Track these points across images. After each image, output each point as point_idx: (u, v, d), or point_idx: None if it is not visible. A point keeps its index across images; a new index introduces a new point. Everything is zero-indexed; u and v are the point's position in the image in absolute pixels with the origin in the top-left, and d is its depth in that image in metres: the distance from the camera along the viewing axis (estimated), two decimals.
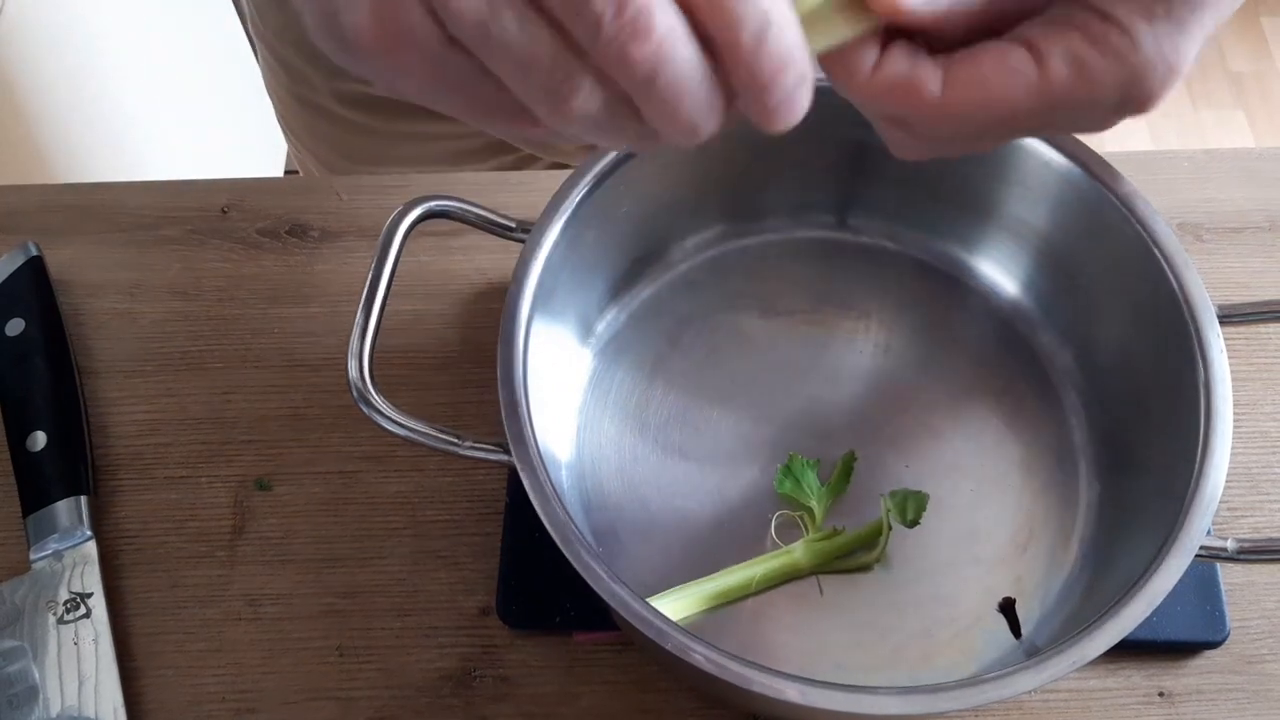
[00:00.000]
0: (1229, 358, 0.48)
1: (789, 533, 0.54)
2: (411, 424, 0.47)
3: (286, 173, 1.70)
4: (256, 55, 0.82)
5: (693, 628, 0.43)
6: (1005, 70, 0.32)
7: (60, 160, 1.12)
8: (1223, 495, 0.45)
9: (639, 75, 0.26)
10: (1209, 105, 1.92)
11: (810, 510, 0.53)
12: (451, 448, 0.47)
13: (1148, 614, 0.43)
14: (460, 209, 0.52)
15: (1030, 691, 0.42)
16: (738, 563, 0.53)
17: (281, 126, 0.87)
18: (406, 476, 0.58)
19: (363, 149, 0.79)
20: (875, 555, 0.52)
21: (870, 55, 0.32)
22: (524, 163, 0.82)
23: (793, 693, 0.42)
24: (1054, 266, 0.58)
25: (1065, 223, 0.55)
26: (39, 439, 0.56)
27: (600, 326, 0.59)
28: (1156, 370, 0.52)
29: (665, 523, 0.54)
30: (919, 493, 0.52)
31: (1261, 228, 0.64)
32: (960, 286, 0.60)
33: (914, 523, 0.52)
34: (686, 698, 0.52)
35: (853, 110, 0.56)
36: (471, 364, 0.61)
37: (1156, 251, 0.50)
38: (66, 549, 0.55)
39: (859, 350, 0.59)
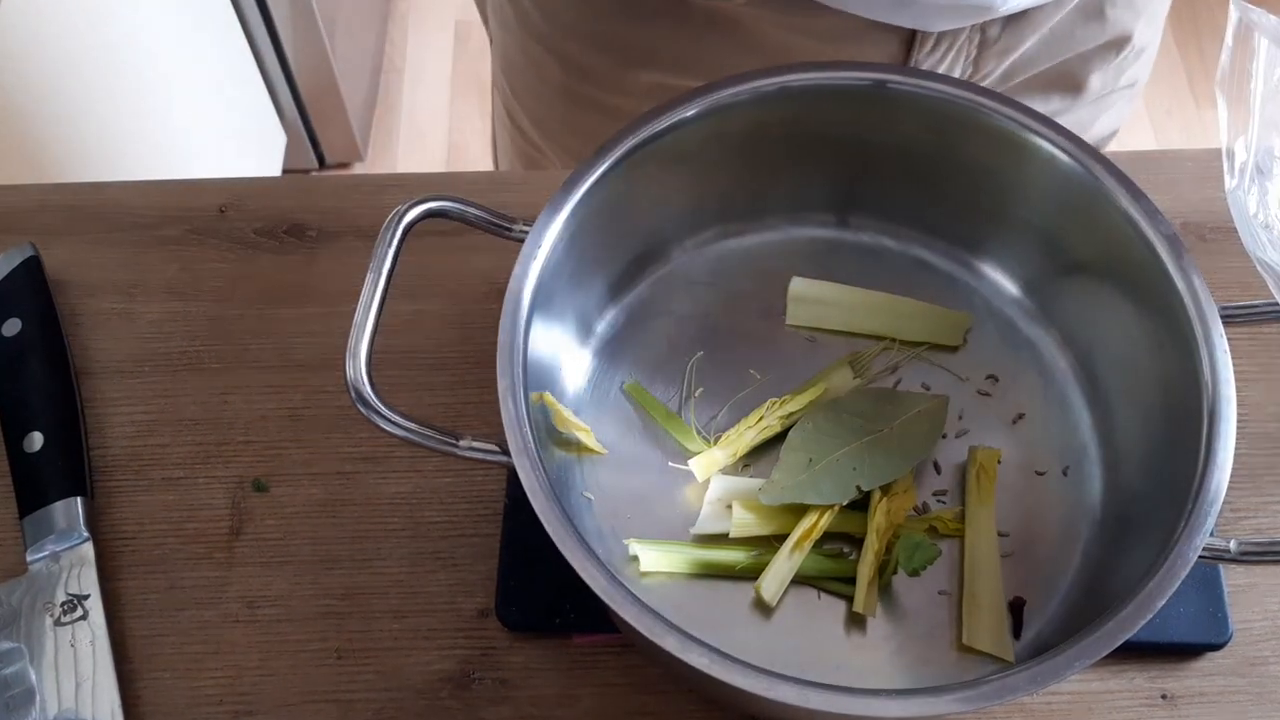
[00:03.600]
0: (1232, 358, 0.48)
1: None
2: (409, 425, 0.47)
3: (285, 172, 1.70)
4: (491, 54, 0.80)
5: (691, 629, 0.43)
6: None
7: (58, 160, 1.12)
8: (1225, 496, 0.45)
9: None
10: (1212, 104, 1.92)
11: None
12: (449, 448, 0.47)
13: (1150, 616, 0.43)
14: (460, 209, 0.52)
15: (1032, 693, 0.42)
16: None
17: (517, 119, 0.86)
18: (405, 477, 0.57)
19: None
20: (867, 600, 0.51)
21: None
22: None
23: (792, 694, 0.41)
24: (1056, 266, 0.57)
25: (1067, 222, 0.55)
26: (36, 440, 0.56)
27: (600, 326, 0.59)
28: (1159, 370, 0.52)
29: (666, 523, 0.54)
30: (930, 545, 0.51)
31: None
32: (961, 286, 0.60)
33: (915, 572, 0.51)
34: (686, 700, 0.52)
35: (852, 110, 0.56)
36: (471, 364, 0.61)
37: (1159, 251, 0.50)
38: (63, 550, 0.55)
39: (859, 350, 0.59)
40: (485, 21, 0.86)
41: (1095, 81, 0.75)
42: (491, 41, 0.85)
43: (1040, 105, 0.73)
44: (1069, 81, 0.74)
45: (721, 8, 0.66)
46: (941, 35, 0.66)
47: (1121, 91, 0.78)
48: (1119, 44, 0.73)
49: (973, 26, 0.66)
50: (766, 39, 0.68)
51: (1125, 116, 0.82)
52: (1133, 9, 0.71)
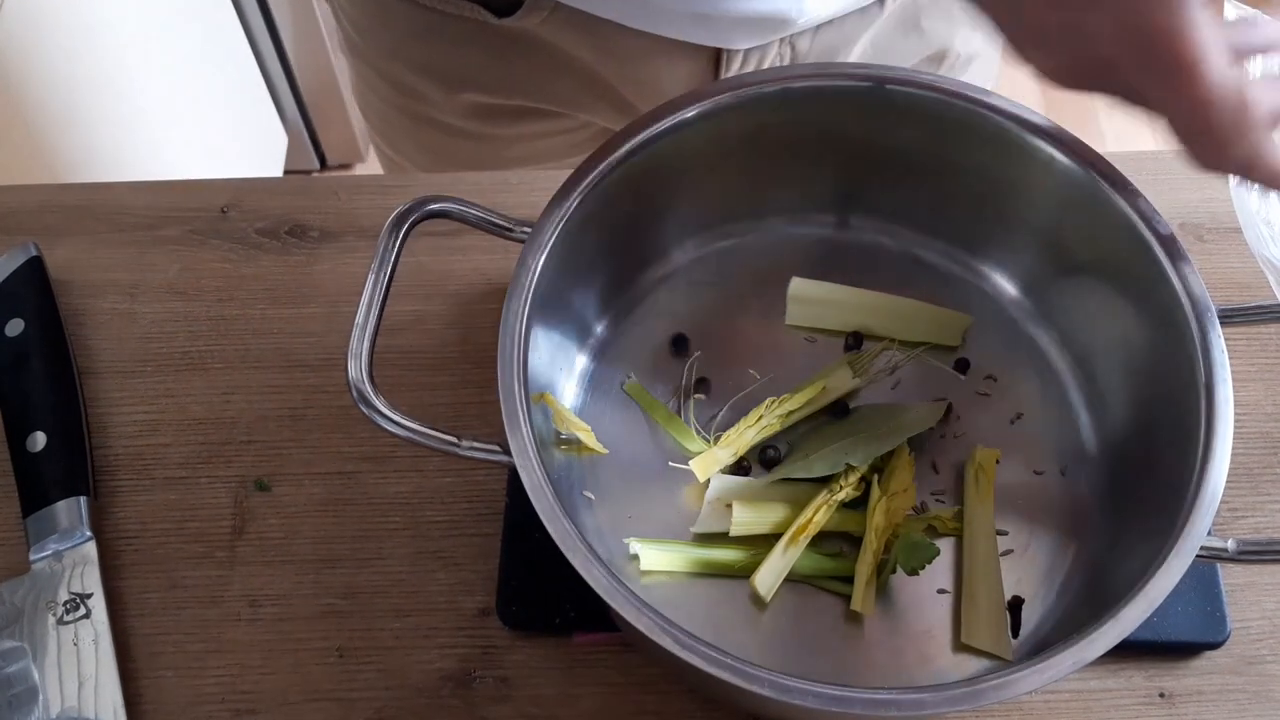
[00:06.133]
0: (1230, 358, 0.48)
1: None
2: (410, 424, 0.47)
3: (286, 173, 1.70)
4: (346, 70, 0.82)
5: (691, 628, 0.43)
6: None
7: (60, 160, 1.12)
8: (1223, 495, 0.45)
9: None
10: None
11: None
12: (450, 448, 0.47)
13: (1148, 614, 0.43)
14: (460, 209, 0.52)
15: (1031, 692, 0.42)
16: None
17: (373, 136, 0.88)
18: (406, 477, 0.58)
19: (474, 154, 0.81)
20: (865, 599, 0.51)
21: None
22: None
23: (791, 694, 0.41)
24: (1054, 266, 0.58)
25: (1066, 223, 0.55)
26: (39, 439, 0.56)
27: (600, 327, 0.59)
28: (1157, 370, 0.52)
29: (666, 523, 0.54)
30: (929, 544, 0.51)
31: None
32: (960, 286, 0.60)
33: (914, 571, 0.51)
34: (686, 699, 0.52)
35: (852, 112, 0.56)
36: (471, 364, 0.61)
37: (1157, 251, 0.50)
38: (66, 549, 0.55)
39: (859, 351, 0.59)
40: None
41: None
42: None
43: None
44: None
45: (521, 30, 0.66)
46: (749, 52, 0.66)
47: None
48: (939, 57, 0.73)
49: (781, 40, 0.66)
50: (571, 60, 0.68)
51: None
52: (949, 20, 0.71)
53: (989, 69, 0.79)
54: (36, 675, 0.52)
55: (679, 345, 0.59)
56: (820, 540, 0.53)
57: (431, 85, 0.74)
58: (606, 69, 0.68)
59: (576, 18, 0.65)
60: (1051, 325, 0.59)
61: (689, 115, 0.54)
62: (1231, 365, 0.48)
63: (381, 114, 0.82)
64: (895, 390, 0.58)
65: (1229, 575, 0.54)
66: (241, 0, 1.50)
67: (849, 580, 0.52)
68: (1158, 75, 0.40)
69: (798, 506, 0.53)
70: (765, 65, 0.67)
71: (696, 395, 0.57)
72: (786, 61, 0.68)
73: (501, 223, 0.52)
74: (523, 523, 0.53)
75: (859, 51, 0.69)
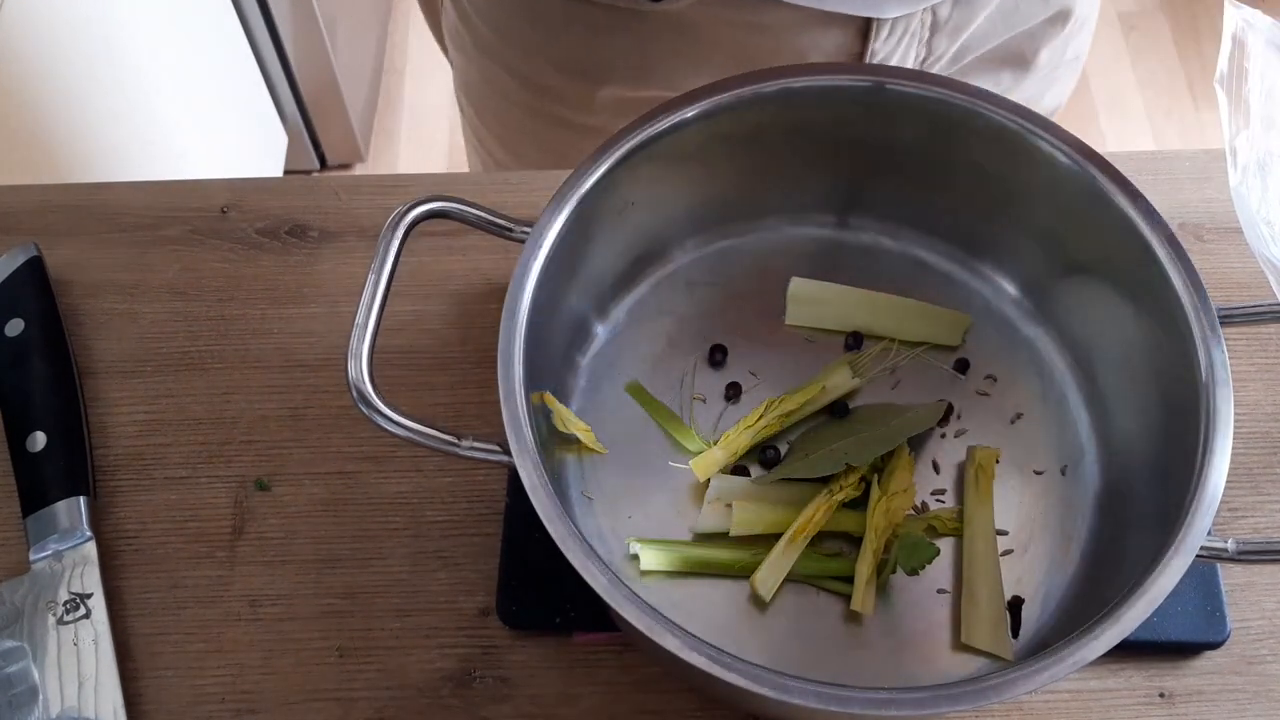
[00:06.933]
0: (1230, 358, 0.48)
1: None
2: (410, 424, 0.47)
3: (286, 173, 1.70)
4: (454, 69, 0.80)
5: (691, 628, 0.43)
6: None
7: (61, 160, 1.12)
8: (1223, 495, 0.45)
9: None
10: (1210, 105, 1.92)
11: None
12: (450, 448, 0.47)
13: (1148, 615, 0.43)
14: (460, 209, 0.52)
15: (1031, 692, 0.42)
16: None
17: (483, 136, 0.86)
18: (406, 477, 0.58)
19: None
20: (865, 598, 0.51)
21: None
22: None
23: (791, 693, 0.41)
24: (1054, 266, 0.58)
25: (1066, 223, 0.55)
26: (39, 439, 0.56)
27: (600, 327, 0.59)
28: (1157, 370, 0.52)
29: (666, 523, 0.54)
30: (929, 544, 0.51)
31: None
32: (961, 286, 0.60)
33: (914, 571, 0.51)
34: (686, 698, 0.52)
35: (853, 111, 0.56)
36: (471, 364, 0.61)
37: (1157, 251, 0.50)
38: (66, 549, 0.55)
39: (859, 350, 0.59)
40: (443, 47, 0.85)
41: (1044, 56, 0.76)
42: (452, 65, 0.84)
43: (990, 82, 0.74)
44: (1018, 58, 0.75)
45: (674, 12, 0.66)
46: (896, 20, 0.66)
47: (1068, 65, 0.79)
48: (1063, 17, 0.74)
49: (924, 10, 0.66)
50: (721, 39, 0.68)
51: (1069, 90, 0.83)
52: None
53: (1089, 37, 0.80)
54: (36, 675, 0.52)
55: (716, 356, 0.59)
56: (820, 540, 0.53)
57: (571, 81, 0.73)
58: (754, 48, 0.68)
59: None
60: (1051, 325, 0.59)
61: (689, 115, 0.54)
62: (1231, 365, 0.48)
63: (502, 114, 0.81)
64: (895, 390, 0.58)
65: (1229, 575, 0.54)
66: (241, 0, 1.50)
67: (849, 580, 0.52)
68: None
69: (798, 506, 0.53)
70: (908, 36, 0.68)
71: (729, 402, 0.57)
72: (927, 31, 0.68)
73: (501, 223, 0.52)
74: (523, 522, 0.53)
75: (986, 15, 0.69)
